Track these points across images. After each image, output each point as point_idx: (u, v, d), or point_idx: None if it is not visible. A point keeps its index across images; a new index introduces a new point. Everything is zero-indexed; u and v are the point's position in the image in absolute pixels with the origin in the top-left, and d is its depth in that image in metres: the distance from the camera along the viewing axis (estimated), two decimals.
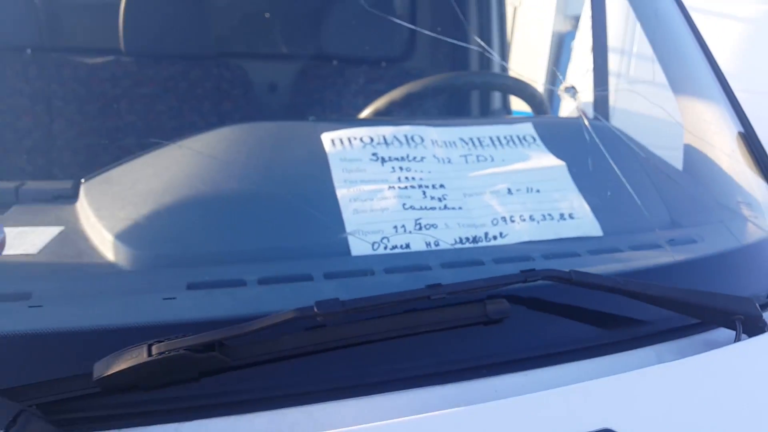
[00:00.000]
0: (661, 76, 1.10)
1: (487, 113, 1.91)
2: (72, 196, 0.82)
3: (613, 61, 2.63)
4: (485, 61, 1.95)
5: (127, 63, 1.84)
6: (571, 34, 5.20)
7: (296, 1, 2.04)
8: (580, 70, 3.46)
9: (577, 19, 5.05)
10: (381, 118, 1.12)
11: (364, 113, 1.16)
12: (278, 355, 0.50)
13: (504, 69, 1.96)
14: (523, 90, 1.16)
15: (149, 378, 0.46)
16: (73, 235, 0.69)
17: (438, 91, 1.16)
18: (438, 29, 1.96)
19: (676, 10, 1.09)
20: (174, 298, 0.55)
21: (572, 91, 0.94)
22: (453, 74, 1.37)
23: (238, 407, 0.49)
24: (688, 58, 1.07)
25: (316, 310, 0.49)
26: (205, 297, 0.56)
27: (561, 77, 3.20)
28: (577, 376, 0.56)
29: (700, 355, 0.57)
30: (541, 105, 1.16)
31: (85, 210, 0.74)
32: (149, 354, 0.45)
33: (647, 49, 1.22)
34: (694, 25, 1.09)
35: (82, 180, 0.83)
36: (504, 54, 2.03)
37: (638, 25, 1.29)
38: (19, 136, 1.79)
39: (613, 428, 0.49)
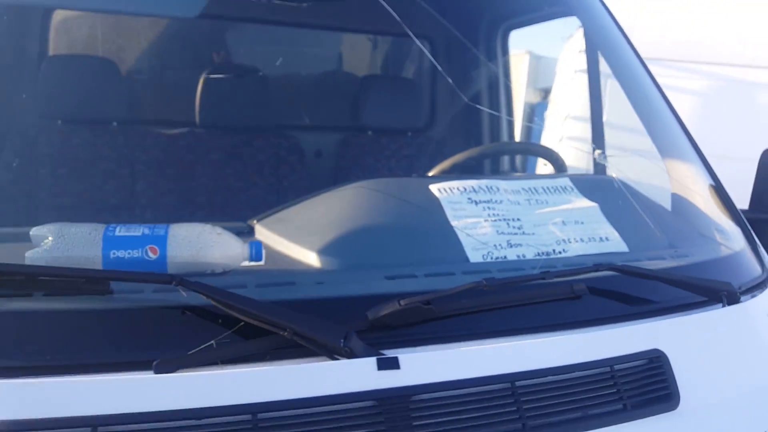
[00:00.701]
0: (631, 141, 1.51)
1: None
2: (247, 233, 1.15)
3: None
4: (495, 130, 2.37)
5: (200, 134, 2.19)
6: (542, 105, 5.74)
7: (338, 79, 2.45)
8: (554, 136, 3.94)
9: (546, 92, 5.61)
10: (453, 174, 1.49)
11: (433, 171, 1.53)
12: (462, 311, 0.85)
13: (527, 137, 2.36)
14: (550, 155, 1.56)
15: (399, 318, 0.80)
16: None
17: (490, 155, 1.55)
18: (456, 104, 2.40)
19: (657, 91, 1.51)
20: (393, 278, 0.90)
21: (603, 156, 1.34)
22: (501, 143, 1.76)
23: (443, 340, 0.83)
24: (670, 129, 1.48)
25: (484, 282, 0.84)
26: (403, 281, 0.91)
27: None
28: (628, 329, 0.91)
29: (705, 312, 0.94)
30: (562, 165, 1.56)
31: (271, 239, 1.08)
32: (399, 305, 0.80)
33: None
34: (670, 102, 1.51)
35: (253, 222, 1.17)
36: (510, 123, 2.45)
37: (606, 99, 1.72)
38: (106, 195, 2.08)
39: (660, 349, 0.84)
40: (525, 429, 0.75)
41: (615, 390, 0.81)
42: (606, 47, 1.68)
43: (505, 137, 2.33)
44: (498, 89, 2.36)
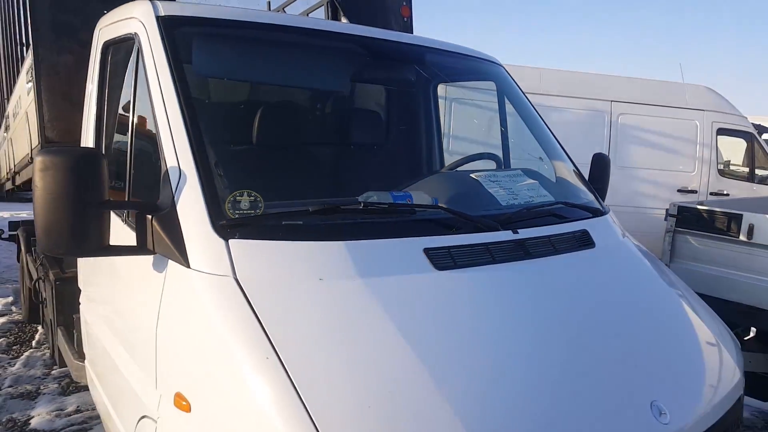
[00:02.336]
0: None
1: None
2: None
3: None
4: (431, 144, 3.75)
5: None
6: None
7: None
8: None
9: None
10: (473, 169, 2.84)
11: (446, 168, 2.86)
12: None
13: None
14: (496, 158, 3.00)
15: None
16: None
17: (469, 161, 2.93)
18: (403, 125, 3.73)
19: (541, 121, 3.03)
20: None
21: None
22: (473, 155, 3.08)
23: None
24: (551, 142, 3.01)
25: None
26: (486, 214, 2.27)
27: None
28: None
29: (597, 218, 2.45)
30: (504, 164, 3.01)
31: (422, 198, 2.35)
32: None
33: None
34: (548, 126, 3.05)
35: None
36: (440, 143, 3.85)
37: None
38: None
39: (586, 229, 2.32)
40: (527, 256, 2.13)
41: (570, 243, 2.25)
42: (511, 97, 3.15)
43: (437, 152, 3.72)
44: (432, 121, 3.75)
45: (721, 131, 8.18)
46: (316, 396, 1.41)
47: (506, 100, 3.20)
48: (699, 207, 3.13)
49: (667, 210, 3.34)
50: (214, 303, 1.66)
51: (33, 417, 4.00)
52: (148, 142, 2.16)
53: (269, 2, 6.57)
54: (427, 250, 1.86)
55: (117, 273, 2.32)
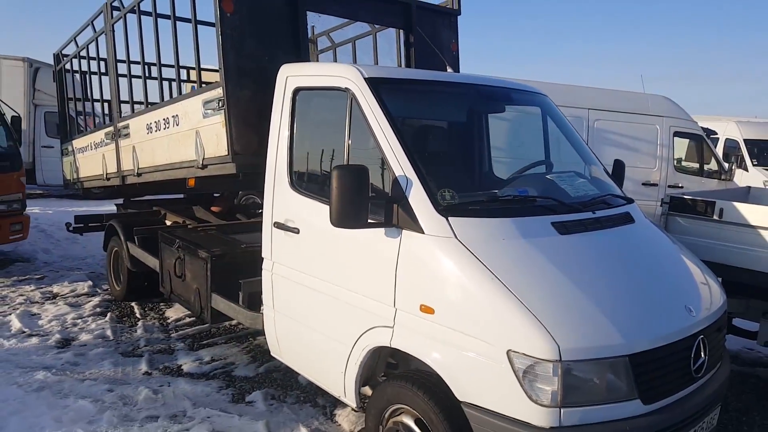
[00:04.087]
0: None
1: None
2: None
3: None
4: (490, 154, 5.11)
5: None
6: None
7: None
8: None
9: None
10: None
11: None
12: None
13: None
14: (548, 164, 4.36)
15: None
16: None
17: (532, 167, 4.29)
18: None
19: (577, 134, 4.42)
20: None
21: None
22: (538, 161, 4.45)
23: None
24: (586, 150, 4.39)
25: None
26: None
27: None
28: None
29: (632, 204, 3.83)
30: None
31: None
32: None
33: None
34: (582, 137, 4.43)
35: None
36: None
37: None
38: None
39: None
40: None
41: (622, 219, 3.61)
42: (554, 117, 4.50)
43: None
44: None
45: (677, 134, 9.88)
46: (526, 296, 2.71)
47: (549, 119, 4.54)
48: (685, 197, 4.60)
49: (662, 199, 4.80)
50: (445, 251, 2.94)
51: (181, 365, 5.13)
52: (364, 159, 3.40)
53: (313, 27, 7.78)
54: (553, 223, 3.19)
55: (340, 242, 3.49)
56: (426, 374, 3.07)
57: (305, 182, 3.87)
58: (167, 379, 4.83)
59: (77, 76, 7.89)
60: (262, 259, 4.19)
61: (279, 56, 4.43)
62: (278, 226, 3.97)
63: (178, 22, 4.99)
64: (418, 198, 3.09)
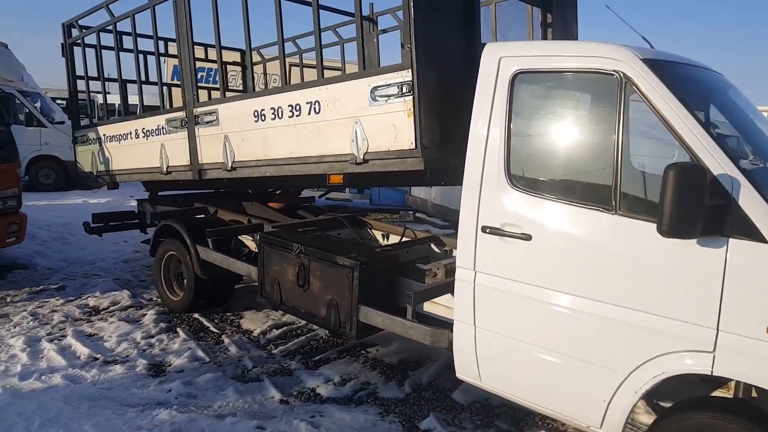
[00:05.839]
0: None
1: None
2: None
3: None
4: None
5: None
6: None
7: None
8: None
9: None
10: None
11: None
12: None
13: None
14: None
15: None
16: None
17: None
18: None
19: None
20: None
21: None
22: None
23: None
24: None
25: None
26: None
27: None
28: None
29: None
30: None
31: None
32: None
33: None
34: None
35: None
36: None
37: None
38: None
39: None
40: None
41: None
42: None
43: None
44: None
45: None
46: None
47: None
48: None
49: None
50: None
51: (314, 389, 4.47)
52: (644, 153, 2.92)
53: (371, 4, 7.11)
54: None
55: (614, 252, 2.97)
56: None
57: (540, 181, 3.32)
58: (313, 408, 4.17)
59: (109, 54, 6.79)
60: (452, 268, 3.65)
61: (451, 34, 3.85)
62: (491, 231, 3.41)
63: None
64: (751, 200, 2.65)
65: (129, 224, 7.49)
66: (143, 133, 6.07)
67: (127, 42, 6.58)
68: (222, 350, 5.14)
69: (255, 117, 4.70)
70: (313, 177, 4.49)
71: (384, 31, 6.76)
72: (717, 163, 2.70)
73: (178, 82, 6.04)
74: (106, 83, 6.93)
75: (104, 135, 6.74)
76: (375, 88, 3.81)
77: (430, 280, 4.22)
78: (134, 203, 7.63)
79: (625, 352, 2.97)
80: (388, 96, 3.74)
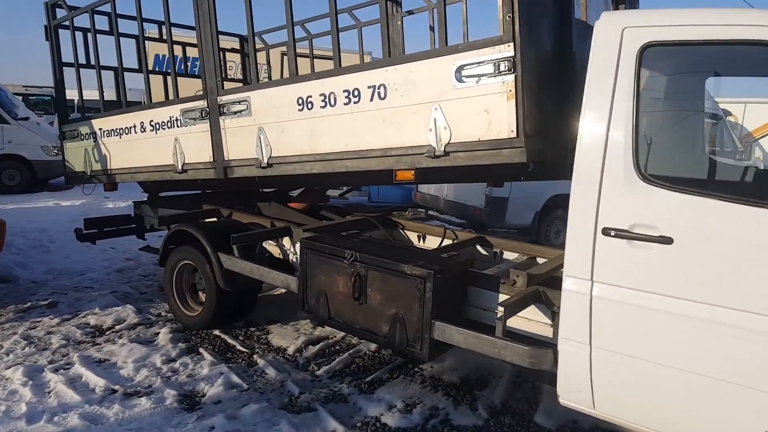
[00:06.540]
0: None
1: None
2: None
3: None
4: None
5: None
6: None
7: None
8: None
9: None
10: None
11: None
12: None
13: None
14: None
15: None
16: None
17: None
18: None
19: None
20: None
21: None
22: None
23: None
24: None
25: None
26: None
27: None
28: None
29: None
30: None
31: None
32: None
33: None
34: None
35: None
36: None
37: None
38: None
39: None
40: None
41: None
42: None
43: None
44: None
45: None
46: None
47: None
48: None
49: None
50: None
51: (378, 418, 3.89)
52: None
53: None
54: None
55: None
56: None
57: (683, 175, 2.81)
58: None
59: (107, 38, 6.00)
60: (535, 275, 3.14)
61: (548, 4, 3.31)
62: (616, 233, 2.88)
63: None
64: None
65: (125, 230, 6.75)
66: (151, 126, 5.31)
67: (122, 27, 5.84)
68: (259, 374, 4.49)
69: (299, 105, 4.06)
70: (375, 173, 3.86)
71: (410, 12, 6.13)
72: None
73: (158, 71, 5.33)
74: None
75: (100, 129, 5.94)
76: (462, 67, 3.23)
77: (507, 290, 3.70)
78: (110, 206, 6.87)
79: None
80: (480, 75, 3.17)
